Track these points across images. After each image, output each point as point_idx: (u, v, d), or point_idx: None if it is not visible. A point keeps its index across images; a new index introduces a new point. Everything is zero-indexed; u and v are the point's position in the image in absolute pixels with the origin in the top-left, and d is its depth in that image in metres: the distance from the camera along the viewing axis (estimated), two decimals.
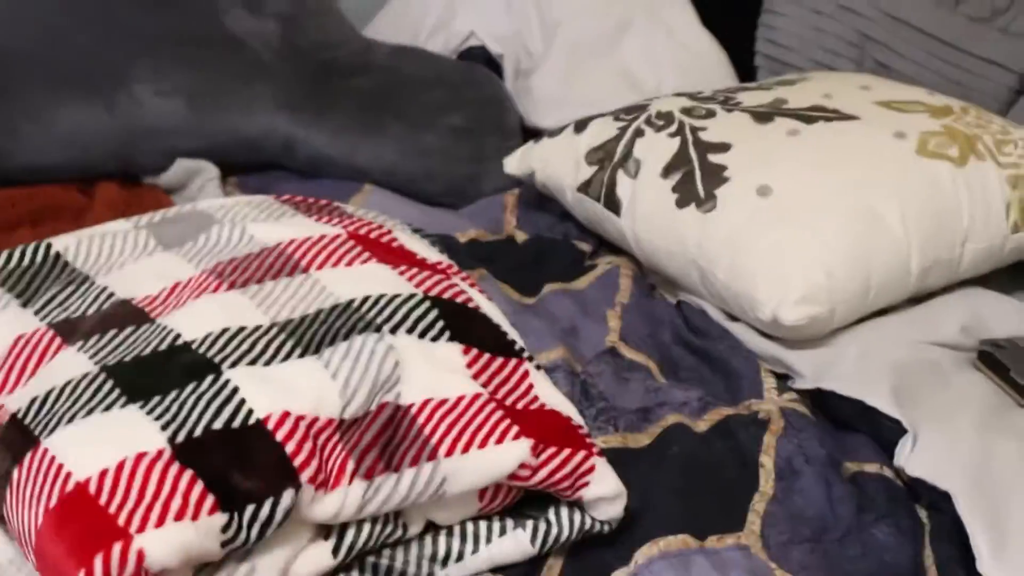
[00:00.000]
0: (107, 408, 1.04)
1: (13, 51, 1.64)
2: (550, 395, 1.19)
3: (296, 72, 1.74)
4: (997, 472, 1.22)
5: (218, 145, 1.70)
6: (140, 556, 0.94)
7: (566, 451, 1.11)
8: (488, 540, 1.11)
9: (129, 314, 1.18)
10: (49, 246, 1.30)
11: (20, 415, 1.06)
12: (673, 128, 1.53)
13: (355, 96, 1.74)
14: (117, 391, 1.06)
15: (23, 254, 1.29)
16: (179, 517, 0.96)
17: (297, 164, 1.73)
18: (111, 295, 1.21)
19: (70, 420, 1.04)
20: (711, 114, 1.55)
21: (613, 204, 1.53)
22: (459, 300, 1.23)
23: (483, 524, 1.12)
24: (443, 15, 1.93)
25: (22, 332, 1.17)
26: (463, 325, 1.20)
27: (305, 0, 1.82)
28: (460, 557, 1.10)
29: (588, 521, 1.13)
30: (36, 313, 1.20)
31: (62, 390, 1.07)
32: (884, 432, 1.28)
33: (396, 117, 1.73)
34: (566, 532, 1.12)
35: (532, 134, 1.79)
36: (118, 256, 1.29)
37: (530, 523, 1.12)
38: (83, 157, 1.66)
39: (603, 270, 1.56)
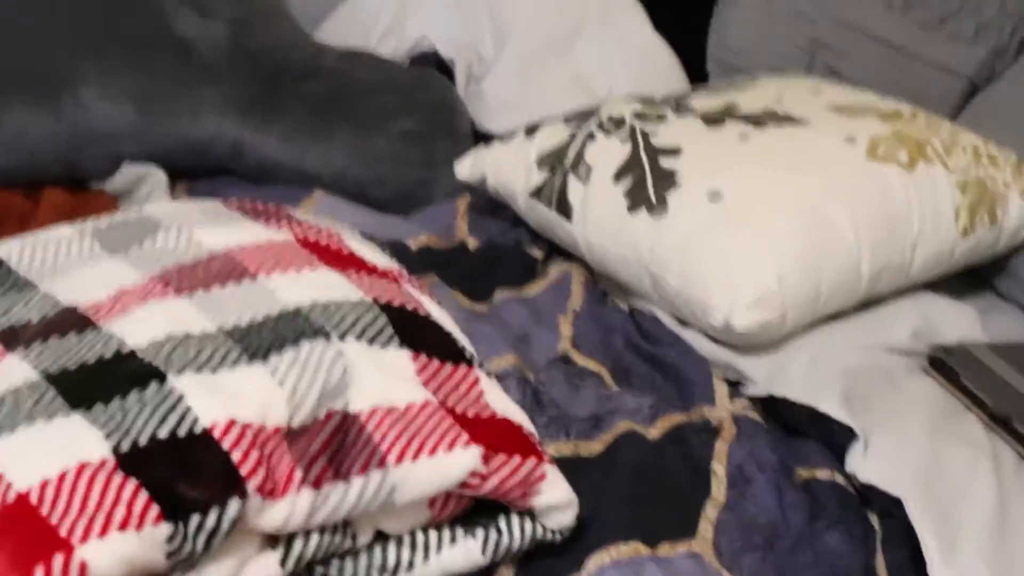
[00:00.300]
0: (50, 417, 1.02)
1: None
2: (501, 402, 1.18)
3: (245, 76, 1.73)
4: (947, 478, 1.24)
5: (166, 150, 1.69)
6: (82, 567, 0.92)
7: (517, 459, 1.10)
8: (438, 550, 1.10)
9: (73, 321, 1.16)
10: None
11: None
12: (624, 133, 1.53)
13: (305, 100, 1.73)
14: (60, 399, 1.04)
15: None
16: (123, 527, 0.95)
17: (246, 169, 1.72)
18: (55, 302, 1.19)
19: (12, 429, 1.02)
20: (662, 118, 1.55)
21: (564, 209, 1.53)
22: (409, 307, 1.23)
23: (433, 533, 1.11)
24: (394, 19, 1.93)
25: None
26: (413, 332, 1.19)
27: (254, 3, 1.81)
28: (410, 567, 1.09)
29: (539, 530, 1.13)
30: None
31: (3, 399, 1.05)
32: (835, 438, 1.29)
33: (346, 121, 1.72)
34: (517, 541, 1.12)
35: (484, 138, 1.78)
36: (63, 262, 1.27)
37: (480, 532, 1.12)
38: (28, 162, 1.65)
39: (555, 276, 1.56)
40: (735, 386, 1.38)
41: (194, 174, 1.72)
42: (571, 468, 1.17)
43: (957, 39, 1.86)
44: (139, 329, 1.13)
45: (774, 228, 1.41)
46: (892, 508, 1.20)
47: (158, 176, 1.68)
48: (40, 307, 1.19)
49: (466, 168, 1.64)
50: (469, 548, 1.11)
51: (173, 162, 1.70)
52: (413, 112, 1.75)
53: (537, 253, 1.61)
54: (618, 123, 1.55)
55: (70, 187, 1.67)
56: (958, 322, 1.50)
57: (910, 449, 1.26)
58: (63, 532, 0.94)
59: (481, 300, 1.52)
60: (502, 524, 1.12)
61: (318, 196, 1.69)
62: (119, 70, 1.67)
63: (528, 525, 1.12)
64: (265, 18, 1.81)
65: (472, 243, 1.64)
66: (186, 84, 1.69)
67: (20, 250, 1.29)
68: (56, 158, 1.66)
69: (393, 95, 1.76)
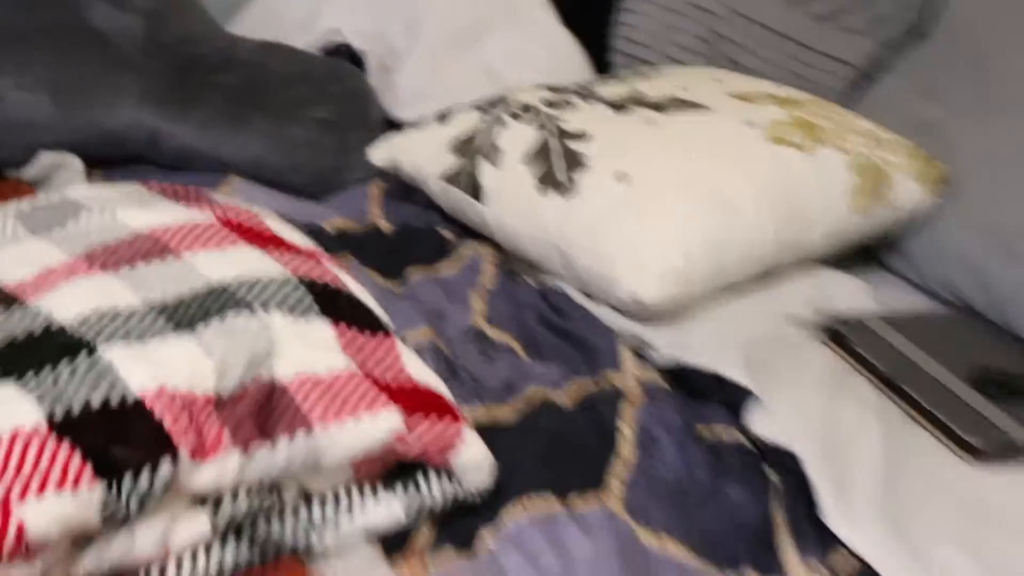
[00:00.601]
0: None
1: None
2: (418, 369, 1.21)
3: (161, 67, 1.74)
4: (840, 434, 1.29)
5: (82, 139, 1.70)
6: (19, 528, 0.95)
7: (435, 420, 1.14)
8: (362, 508, 1.13)
9: (2, 297, 1.18)
10: None
11: None
12: (534, 118, 1.57)
13: (220, 90, 1.75)
14: None
15: None
16: (58, 489, 0.97)
17: (162, 158, 1.74)
18: None
19: None
20: (570, 105, 1.60)
21: (476, 192, 1.57)
22: (328, 282, 1.26)
23: (356, 492, 1.14)
24: (308, 13, 1.95)
25: None
26: (333, 304, 1.22)
27: None
28: (335, 524, 1.12)
29: (458, 489, 1.16)
30: None
31: None
32: (736, 400, 1.33)
33: (261, 111, 1.74)
34: (437, 500, 1.15)
35: (395, 127, 1.82)
36: None
37: (402, 491, 1.15)
38: None
39: (467, 256, 1.59)
40: (641, 354, 1.41)
41: (111, 163, 1.72)
42: (486, 432, 1.21)
43: (849, 31, 1.90)
44: (67, 304, 1.15)
45: (679, 207, 1.45)
46: (789, 463, 1.24)
47: (74, 164, 1.68)
48: None
49: (380, 154, 1.68)
50: (391, 506, 1.14)
51: (90, 151, 1.70)
52: (327, 102, 1.78)
53: (449, 235, 1.64)
54: (528, 109, 1.60)
55: None
56: (851, 294, 1.55)
57: (806, 409, 1.31)
58: (2, 492, 0.97)
59: (395, 279, 1.54)
60: (422, 484, 1.15)
61: (234, 182, 1.72)
62: (35, 60, 1.68)
63: (447, 485, 1.15)
64: (179, 10, 1.83)
65: (386, 226, 1.66)
66: (102, 75, 1.71)
67: None
68: None
69: (307, 85, 1.79)
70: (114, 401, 1.04)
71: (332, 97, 1.79)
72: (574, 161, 1.51)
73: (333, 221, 1.66)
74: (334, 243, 1.57)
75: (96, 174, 1.72)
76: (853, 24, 1.91)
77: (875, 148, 1.60)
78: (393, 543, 1.14)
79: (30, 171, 1.68)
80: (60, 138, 1.69)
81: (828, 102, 1.68)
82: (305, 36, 1.94)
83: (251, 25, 1.95)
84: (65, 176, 1.68)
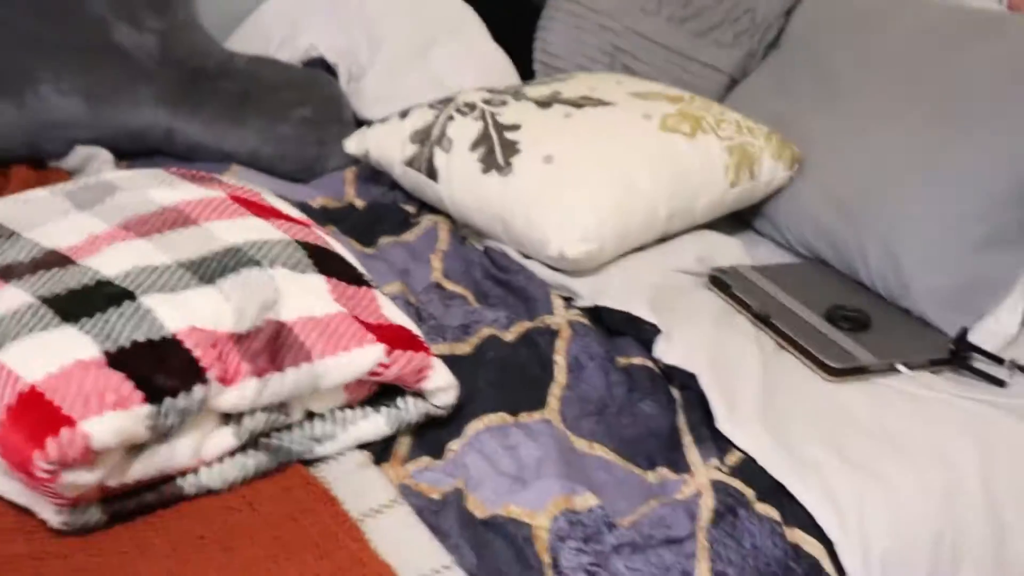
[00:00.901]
0: (47, 328, 1.03)
1: None
2: (394, 314, 1.21)
3: (173, 76, 1.71)
4: (727, 358, 1.29)
5: (111, 135, 1.67)
6: (85, 438, 0.94)
7: (410, 352, 1.13)
8: (354, 423, 1.13)
9: (56, 259, 1.16)
10: None
11: None
12: (476, 113, 1.56)
13: (222, 95, 1.72)
14: (54, 315, 1.05)
15: None
16: (114, 408, 0.97)
17: (176, 150, 1.71)
18: (39, 246, 1.19)
19: (19, 337, 1.02)
20: (504, 103, 1.58)
21: (432, 174, 1.55)
22: (319, 244, 1.25)
23: (349, 411, 1.14)
24: (288, 32, 1.92)
25: None
26: (324, 262, 1.21)
27: (176, 19, 1.78)
28: (332, 436, 1.12)
29: (429, 407, 1.16)
30: None
31: (8, 317, 1.05)
32: (644, 334, 1.33)
33: (256, 111, 1.72)
34: (412, 416, 1.15)
35: (362, 124, 1.80)
36: (41, 216, 1.25)
37: (385, 410, 1.15)
38: None
39: (425, 226, 1.58)
40: (568, 300, 1.41)
41: (134, 155, 1.69)
42: (449, 363, 1.20)
43: (720, 45, 1.90)
44: (111, 263, 1.14)
45: (593, 182, 1.44)
46: (688, 381, 1.25)
47: (105, 156, 1.65)
48: (26, 250, 1.18)
49: (353, 145, 1.66)
50: (376, 422, 1.14)
51: (117, 145, 1.67)
52: (308, 104, 1.75)
53: (411, 209, 1.63)
54: (471, 107, 1.58)
55: (32, 166, 1.64)
56: (730, 251, 1.55)
57: (699, 339, 1.31)
58: (67, 412, 0.95)
59: (369, 245, 1.53)
60: (401, 403, 1.15)
61: (235, 170, 1.69)
62: (71, 71, 1.64)
63: (420, 404, 1.16)
64: (186, 30, 1.78)
65: (359, 203, 1.64)
66: (125, 83, 1.67)
67: (4, 208, 1.28)
68: (21, 142, 1.62)
69: (292, 91, 1.76)
70: (154, 338, 1.03)
71: (312, 100, 1.76)
72: (509, 147, 1.50)
73: (316, 200, 1.65)
74: (318, 217, 1.56)
75: (122, 164, 1.69)
76: (722, 39, 1.91)
77: (743, 134, 1.59)
78: (379, 451, 1.14)
79: (68, 162, 1.66)
80: (92, 135, 1.66)
81: (706, 99, 1.67)
82: (287, 51, 1.90)
83: (243, 42, 1.91)
84: (97, 166, 1.65)
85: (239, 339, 1.07)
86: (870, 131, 1.57)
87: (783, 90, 1.76)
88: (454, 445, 1.15)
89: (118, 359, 1.00)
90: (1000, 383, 1.34)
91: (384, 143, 1.61)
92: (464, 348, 1.30)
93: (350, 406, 1.15)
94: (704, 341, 1.32)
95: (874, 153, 1.54)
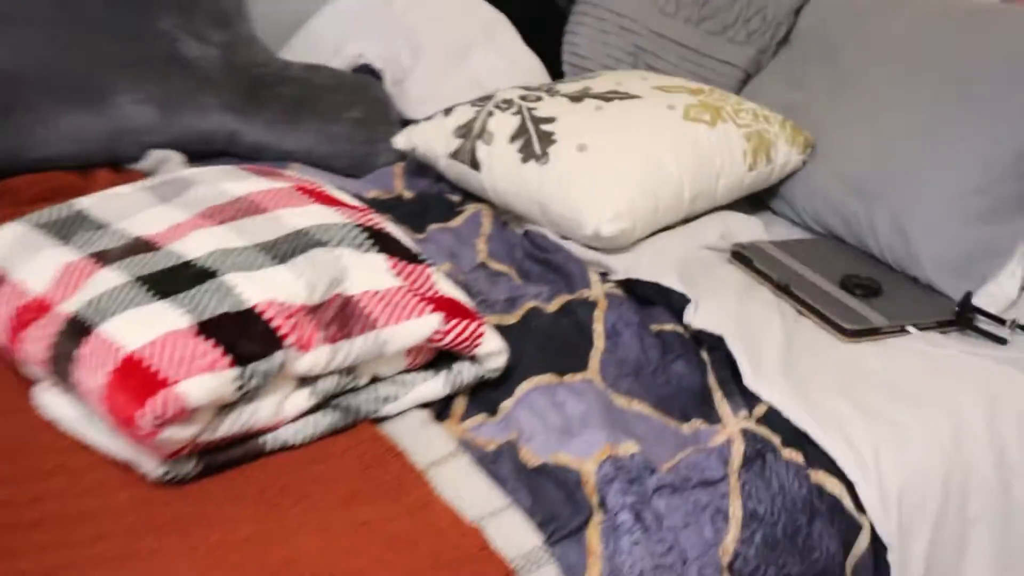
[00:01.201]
0: (141, 303, 1.08)
1: (28, 73, 1.63)
2: (448, 288, 1.24)
3: (235, 84, 1.76)
4: (751, 323, 1.33)
5: (181, 139, 1.71)
6: (181, 398, 1.00)
7: (464, 321, 1.18)
8: (415, 385, 1.17)
9: (144, 245, 1.20)
10: (75, 205, 1.31)
11: (77, 314, 1.10)
12: (514, 109, 1.60)
13: (280, 100, 1.76)
14: (148, 292, 1.10)
15: (54, 211, 1.30)
16: (205, 371, 1.02)
17: (240, 151, 1.75)
18: (127, 234, 1.23)
19: (117, 312, 1.08)
20: (539, 99, 1.62)
21: (475, 164, 1.59)
22: (378, 227, 1.29)
23: (410, 375, 1.18)
24: (338, 43, 1.96)
25: (68, 260, 1.19)
26: (383, 242, 1.24)
27: (236, 33, 1.83)
28: (396, 397, 1.16)
29: (482, 370, 1.21)
30: (75, 248, 1.22)
31: (106, 295, 1.10)
32: (675, 303, 1.37)
33: (311, 114, 1.76)
34: (467, 378, 1.19)
35: (407, 123, 1.84)
36: (127, 209, 1.30)
37: (443, 373, 1.19)
38: (81, 151, 1.65)
39: (470, 213, 1.62)
40: (603, 275, 1.45)
41: (202, 156, 1.73)
42: (498, 331, 1.26)
43: (734, 42, 1.92)
44: (193, 247, 1.18)
45: (624, 167, 1.48)
46: (716, 344, 1.29)
47: (176, 158, 1.69)
48: (116, 239, 1.23)
49: (401, 141, 1.70)
50: (435, 384, 1.18)
51: (186, 148, 1.71)
52: (358, 106, 1.79)
53: (455, 198, 1.67)
54: (508, 103, 1.63)
55: (112, 169, 1.70)
56: (749, 229, 1.58)
57: (725, 307, 1.35)
58: (164, 375, 1.01)
59: (419, 231, 1.58)
60: (456, 367, 1.19)
61: (295, 167, 1.75)
62: (144, 83, 1.69)
63: (474, 368, 1.20)
64: (245, 43, 1.83)
65: (407, 195, 1.68)
66: (193, 91, 1.72)
67: (94, 202, 1.32)
68: (101, 147, 1.67)
69: (343, 94, 1.80)
70: (237, 310, 1.08)
71: (362, 102, 1.81)
72: (546, 138, 1.55)
73: (369, 192, 1.69)
74: (371, 207, 1.60)
75: (192, 165, 1.73)
76: (736, 37, 1.93)
77: (759, 122, 1.63)
78: (438, 410, 1.19)
79: (143, 164, 1.70)
80: (164, 139, 1.70)
81: (724, 91, 1.71)
82: (337, 60, 1.95)
83: (296, 53, 1.96)
84: (170, 167, 1.69)
85: (311, 311, 1.12)
86: (877, 116, 1.60)
87: (794, 82, 1.80)
88: (506, 403, 1.19)
89: (206, 329, 1.05)
90: (1002, 341, 1.38)
91: (430, 138, 1.66)
92: (510, 319, 1.34)
93: (411, 370, 1.19)
94: (729, 308, 1.36)
95: (882, 136, 1.58)
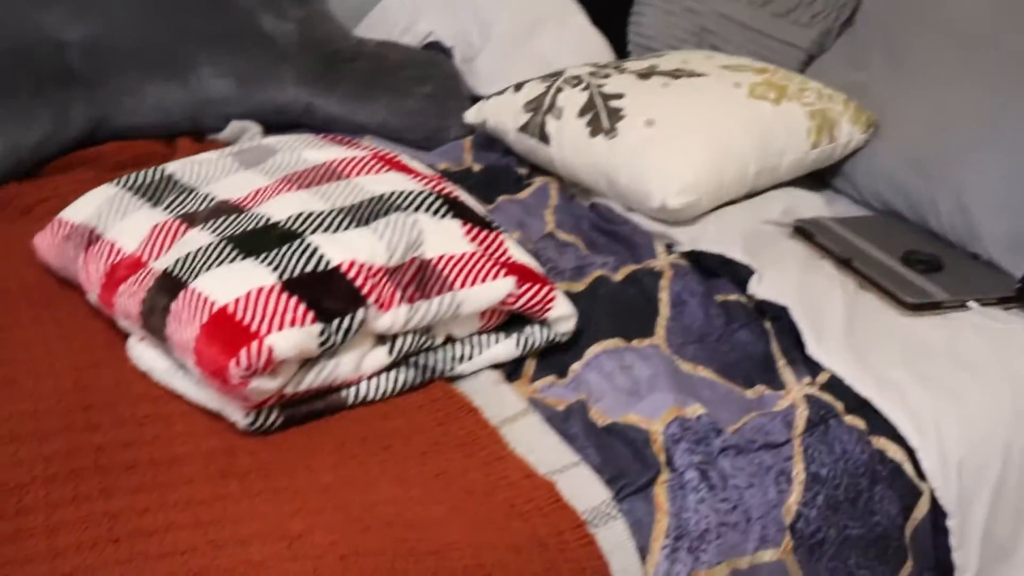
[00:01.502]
0: (231, 261, 1.11)
1: (117, 45, 1.67)
2: (519, 254, 1.26)
3: (311, 59, 1.78)
4: (814, 295, 1.33)
5: (258, 111, 1.74)
6: (270, 350, 1.02)
7: (536, 285, 1.20)
8: (488, 346, 1.20)
9: (230, 207, 1.24)
10: (163, 169, 1.35)
11: (169, 270, 1.13)
12: (583, 85, 1.61)
13: (354, 75, 1.79)
14: (236, 251, 1.13)
15: (144, 175, 1.34)
16: (291, 325, 1.05)
17: (315, 123, 1.78)
18: (214, 198, 1.27)
19: (207, 269, 1.11)
20: (608, 76, 1.63)
21: (544, 138, 1.60)
22: (453, 194, 1.31)
23: (484, 336, 1.20)
24: (409, 21, 1.98)
25: (157, 221, 1.22)
26: (458, 209, 1.26)
27: (313, 10, 1.86)
28: (470, 357, 1.18)
29: (552, 334, 1.23)
30: (164, 210, 1.26)
31: (196, 253, 1.14)
32: (739, 275, 1.37)
33: (384, 89, 1.78)
34: (538, 341, 1.21)
35: (476, 99, 1.86)
36: (213, 174, 1.33)
37: (515, 335, 1.21)
38: (165, 121, 1.70)
39: (538, 185, 1.63)
40: (669, 247, 1.46)
41: (279, 127, 1.76)
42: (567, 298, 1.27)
43: (798, 24, 1.91)
44: (277, 210, 1.21)
45: (690, 142, 1.48)
46: (780, 314, 1.29)
47: (255, 129, 1.72)
48: (204, 201, 1.27)
49: (472, 115, 1.72)
50: (507, 345, 1.20)
51: (264, 119, 1.74)
52: (429, 81, 1.81)
53: (523, 171, 1.68)
54: (578, 79, 1.63)
55: (194, 138, 1.74)
56: (812, 204, 1.57)
57: (789, 278, 1.35)
58: (254, 329, 1.04)
59: (487, 203, 1.60)
60: (528, 330, 1.22)
61: (368, 139, 1.77)
62: (225, 56, 1.72)
63: (545, 330, 1.22)
64: (321, 19, 1.86)
65: (476, 167, 1.70)
66: (271, 65, 1.75)
67: (181, 167, 1.36)
68: (184, 118, 1.71)
69: (415, 70, 1.82)
70: (321, 269, 1.11)
71: (433, 78, 1.83)
72: (614, 114, 1.55)
73: (440, 165, 1.71)
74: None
75: (269, 135, 1.76)
76: (800, 19, 1.92)
77: (823, 101, 1.62)
78: (510, 371, 1.21)
79: (224, 134, 1.74)
80: (243, 110, 1.74)
81: (788, 71, 1.70)
82: (408, 37, 1.97)
83: (370, 30, 1.99)
84: (248, 136, 1.72)
85: (391, 272, 1.15)
86: (940, 95, 1.59)
87: (858, 63, 1.78)
88: (575, 366, 1.21)
89: (292, 286, 1.08)
90: None
91: (500, 113, 1.67)
92: (578, 287, 1.36)
93: (484, 332, 1.21)
94: (793, 280, 1.36)
95: (944, 115, 1.56)
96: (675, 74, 1.62)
